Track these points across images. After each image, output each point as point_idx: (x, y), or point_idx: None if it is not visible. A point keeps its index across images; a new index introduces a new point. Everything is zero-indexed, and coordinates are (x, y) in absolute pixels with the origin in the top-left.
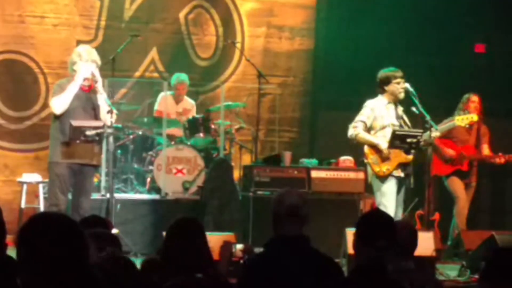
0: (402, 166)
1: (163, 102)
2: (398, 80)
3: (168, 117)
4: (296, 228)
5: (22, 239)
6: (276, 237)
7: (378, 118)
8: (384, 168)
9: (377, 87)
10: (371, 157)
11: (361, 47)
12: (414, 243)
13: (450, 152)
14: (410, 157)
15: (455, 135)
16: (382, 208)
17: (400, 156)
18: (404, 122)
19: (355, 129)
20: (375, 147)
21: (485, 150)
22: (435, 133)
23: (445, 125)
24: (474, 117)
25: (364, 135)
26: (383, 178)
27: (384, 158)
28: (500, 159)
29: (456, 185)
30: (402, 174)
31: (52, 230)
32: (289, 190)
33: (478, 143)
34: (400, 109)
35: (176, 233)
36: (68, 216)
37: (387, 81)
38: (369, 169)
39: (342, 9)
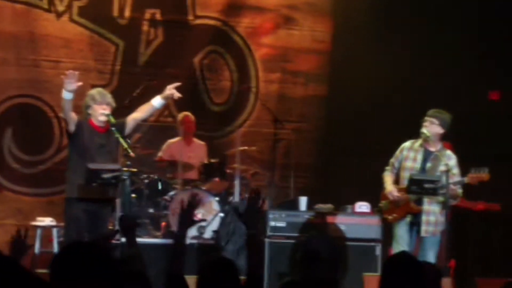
0: (411, 215)
1: (169, 149)
2: (425, 118)
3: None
4: (324, 271)
5: (56, 267)
6: (305, 279)
7: (402, 160)
8: (391, 216)
9: None
10: (383, 202)
11: (375, 93)
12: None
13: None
14: (420, 207)
15: None
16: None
17: (409, 206)
18: (433, 167)
19: (386, 169)
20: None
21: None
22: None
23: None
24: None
25: (384, 177)
26: (393, 224)
27: (394, 206)
28: (480, 206)
29: None
30: (410, 219)
31: (86, 258)
32: (317, 234)
33: None
34: (436, 149)
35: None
36: (99, 246)
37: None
38: None
39: (356, 54)
